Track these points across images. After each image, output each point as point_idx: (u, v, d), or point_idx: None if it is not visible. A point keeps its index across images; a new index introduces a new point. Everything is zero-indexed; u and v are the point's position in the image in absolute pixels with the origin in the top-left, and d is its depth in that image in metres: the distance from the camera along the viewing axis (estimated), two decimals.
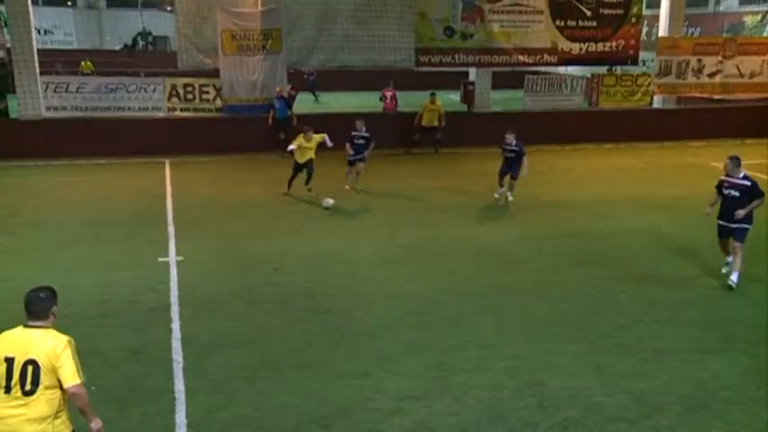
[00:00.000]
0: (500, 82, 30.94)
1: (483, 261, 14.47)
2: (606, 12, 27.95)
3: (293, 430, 8.43)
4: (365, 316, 11.69)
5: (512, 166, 18.31)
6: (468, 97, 30.14)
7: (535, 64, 28.49)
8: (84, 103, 24.03)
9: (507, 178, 18.58)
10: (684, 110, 30.19)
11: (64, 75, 29.54)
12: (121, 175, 21.60)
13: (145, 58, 46.96)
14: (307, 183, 18.91)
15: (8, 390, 5.80)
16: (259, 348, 10.48)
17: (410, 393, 9.25)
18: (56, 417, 5.94)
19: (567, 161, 24.47)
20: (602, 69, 29.38)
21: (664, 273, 13.71)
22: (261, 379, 9.57)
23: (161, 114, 24.59)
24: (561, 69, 31.23)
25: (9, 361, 5.80)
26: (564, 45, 27.75)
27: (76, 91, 24.02)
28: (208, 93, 24.63)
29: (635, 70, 29.90)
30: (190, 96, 24.64)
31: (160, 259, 14.09)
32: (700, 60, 29.05)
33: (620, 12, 28.12)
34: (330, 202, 17.85)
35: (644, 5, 29.10)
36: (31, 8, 23.69)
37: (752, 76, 29.62)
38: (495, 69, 28.49)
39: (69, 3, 58.52)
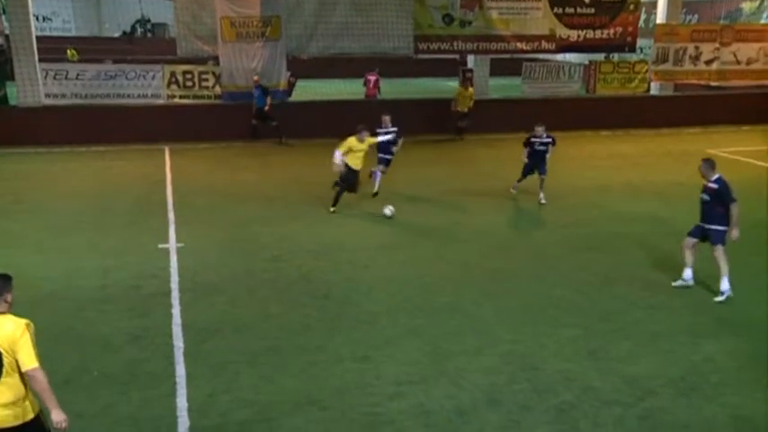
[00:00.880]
0: (498, 69, 30.96)
1: (481, 247, 14.54)
2: None
3: (293, 413, 8.51)
4: (364, 301, 11.77)
5: (540, 161, 17.37)
6: (466, 84, 30.11)
7: (533, 51, 28.42)
8: (84, 91, 24.02)
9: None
10: (681, 97, 30.21)
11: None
12: (121, 162, 21.64)
13: (144, 45, 46.86)
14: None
15: None
16: (259, 333, 10.56)
17: (408, 377, 9.34)
18: (25, 398, 6.07)
19: (564, 148, 24.30)
20: (600, 56, 29.39)
21: (659, 258, 13.78)
22: (261, 363, 9.65)
23: (160, 101, 24.60)
24: (559, 56, 31.27)
25: None
26: (562, 32, 27.71)
27: (76, 78, 24.00)
28: (207, 80, 24.64)
29: (632, 57, 29.89)
30: (189, 84, 24.65)
31: (160, 245, 14.16)
32: (697, 47, 29.08)
33: None
34: (391, 209, 16.45)
35: None
36: None
37: (748, 63, 29.62)
38: (494, 56, 28.51)
39: None
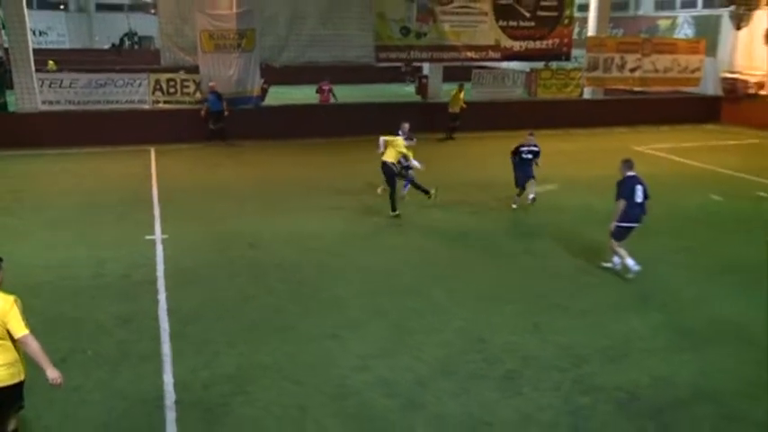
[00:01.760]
0: (451, 76, 31.03)
1: (438, 236, 14.54)
2: (543, 14, 28.22)
3: (269, 386, 8.47)
4: (333, 286, 11.70)
5: (529, 167, 16.29)
6: (422, 89, 30.21)
7: (481, 59, 28.68)
8: (77, 98, 23.61)
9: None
10: (611, 100, 30.52)
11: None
12: (111, 162, 21.31)
13: (131, 56, 46.27)
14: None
15: None
16: (237, 315, 10.46)
17: (372, 353, 9.33)
18: (19, 361, 6.30)
19: (510, 145, 24.51)
20: (540, 64, 29.55)
21: (594, 243, 13.87)
22: (239, 342, 9.58)
23: (146, 107, 24.26)
24: (504, 64, 31.38)
25: None
26: (506, 43, 27.97)
27: (69, 86, 23.60)
28: (188, 87, 24.33)
29: (568, 65, 30.12)
30: (172, 90, 24.36)
31: (147, 237, 13.96)
32: (622, 57, 29.55)
33: (554, 14, 28.40)
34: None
35: (575, 9, 29.36)
36: (26, 11, 23.31)
37: (665, 71, 30.23)
38: (446, 64, 28.59)
39: (62, 6, 57.37)
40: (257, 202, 16.78)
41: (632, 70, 29.80)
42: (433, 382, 8.63)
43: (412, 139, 16.21)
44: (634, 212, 11.95)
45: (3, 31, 25.18)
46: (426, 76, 29.84)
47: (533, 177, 16.44)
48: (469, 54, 27.72)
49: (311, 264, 12.73)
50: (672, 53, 30.33)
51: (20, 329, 6.09)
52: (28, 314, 6.22)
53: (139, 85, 24.13)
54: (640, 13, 36.67)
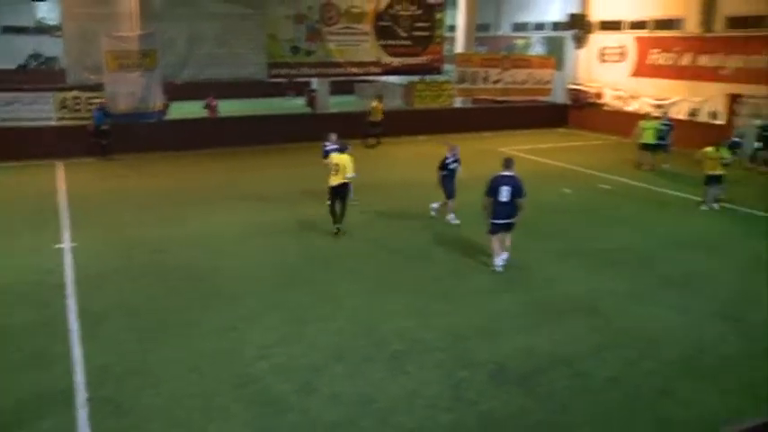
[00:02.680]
0: (338, 89, 30.99)
1: (330, 233, 14.41)
2: (417, 33, 28.59)
3: (175, 377, 8.21)
4: (233, 283, 11.42)
5: (453, 176, 14.86)
6: (311, 102, 30.01)
7: (364, 74, 28.83)
8: None
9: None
10: (478, 108, 31.14)
11: None
12: (20, 176, 20.03)
13: (38, 75, 43.80)
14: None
15: None
16: (144, 314, 10.06)
17: (271, 343, 9.17)
18: None
19: (390, 150, 24.76)
20: (416, 78, 29.88)
21: (467, 236, 14.14)
22: (147, 339, 9.22)
23: (53, 123, 22.98)
24: (384, 78, 31.57)
25: None
26: (386, 59, 28.17)
27: None
28: (93, 104, 23.16)
29: (440, 78, 30.55)
30: (77, 107, 23.20)
31: (57, 246, 13.18)
32: (486, 71, 30.27)
33: (427, 34, 28.83)
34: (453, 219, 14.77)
35: (445, 29, 29.89)
36: None
37: (522, 83, 31.19)
38: (333, 79, 28.54)
39: None
40: (161, 210, 16.11)
41: (495, 82, 30.59)
42: (327, 366, 8.55)
43: (347, 147, 14.43)
44: (501, 210, 11.74)
45: None
46: (315, 90, 29.68)
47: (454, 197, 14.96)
48: (353, 70, 27.80)
49: (212, 264, 12.37)
50: (527, 68, 31.35)
51: None
52: None
53: (46, 102, 22.85)
54: (500, 33, 37.66)
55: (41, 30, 48.02)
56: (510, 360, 8.77)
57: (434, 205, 15.48)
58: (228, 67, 25.23)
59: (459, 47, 30.69)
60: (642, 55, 28.38)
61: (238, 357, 8.74)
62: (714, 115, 25.12)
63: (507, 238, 12.10)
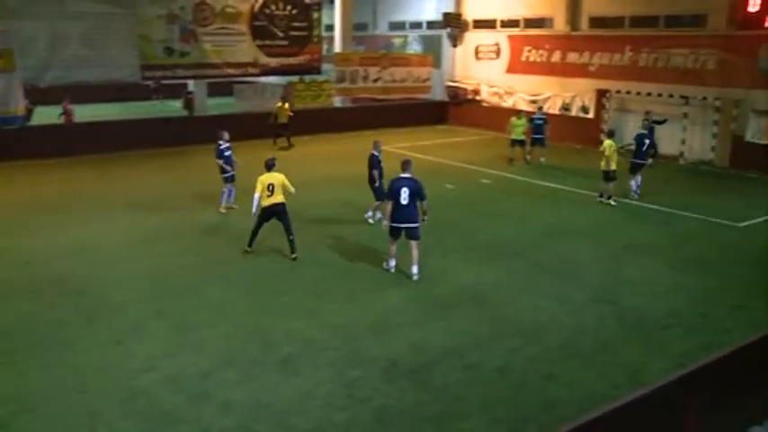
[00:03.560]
0: (217, 90, 30.38)
1: (212, 238, 14.18)
2: (294, 33, 28.56)
3: (55, 398, 7.81)
4: (114, 293, 11.00)
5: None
6: (188, 104, 29.28)
7: (242, 75, 28.44)
8: None
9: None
10: (358, 107, 31.38)
11: None
12: None
13: None
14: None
15: None
16: (15, 334, 9.50)
17: (158, 353, 8.93)
18: None
19: (272, 151, 24.50)
20: (295, 78, 29.78)
21: (353, 233, 14.24)
22: (19, 361, 8.72)
23: None
24: (263, 79, 31.26)
25: None
26: (264, 60, 28.01)
27: None
28: None
29: (319, 78, 30.62)
30: None
31: None
32: (366, 70, 30.70)
33: (305, 34, 28.87)
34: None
35: (323, 29, 29.97)
36: None
37: (401, 81, 31.81)
38: (210, 80, 27.96)
39: None
40: (29, 221, 15.25)
41: (375, 81, 31.01)
42: (217, 373, 8.41)
43: (274, 163, 13.07)
44: (400, 213, 11.45)
45: None
46: (192, 92, 28.96)
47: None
48: (230, 71, 27.43)
49: (90, 275, 11.86)
50: (406, 66, 31.99)
51: None
52: None
53: None
54: (378, 32, 38.12)
55: None
56: (402, 355, 8.93)
57: (369, 213, 15.25)
58: (99, 69, 24.21)
59: (338, 46, 30.93)
60: (516, 53, 29.55)
61: (124, 371, 8.44)
62: (584, 110, 26.54)
63: (414, 248, 11.62)
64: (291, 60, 28.78)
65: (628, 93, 24.78)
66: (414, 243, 11.63)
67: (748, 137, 21.52)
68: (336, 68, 30.07)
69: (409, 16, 36.20)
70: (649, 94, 23.84)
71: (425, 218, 11.73)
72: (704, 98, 22.56)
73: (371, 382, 8.26)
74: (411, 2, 36.16)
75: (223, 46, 26.72)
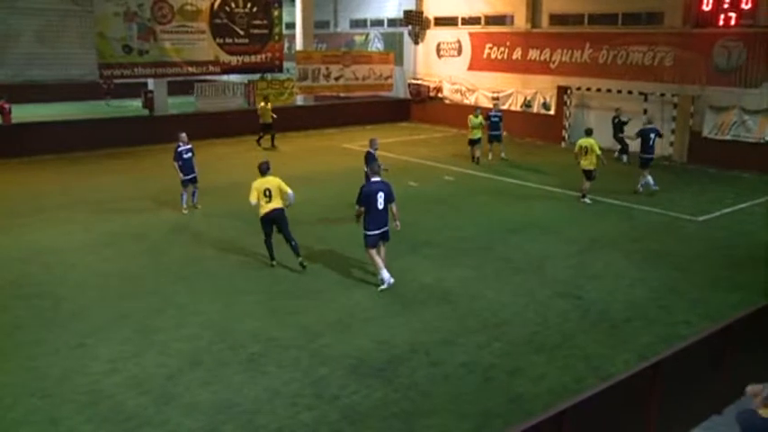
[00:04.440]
0: (176, 89, 30.04)
1: (174, 239, 14.02)
2: (255, 31, 28.36)
3: (13, 405, 7.66)
4: (75, 296, 10.83)
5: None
6: (148, 103, 28.87)
7: (202, 74, 28.13)
8: None
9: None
10: (320, 105, 31.35)
11: None
12: None
13: None
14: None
15: None
16: None
17: (121, 355, 8.82)
18: None
19: (233, 150, 24.38)
20: (257, 76, 29.60)
21: (315, 231, 14.20)
22: None
23: None
24: (224, 77, 31.02)
25: None
26: (224, 58, 27.75)
27: None
28: None
29: (281, 76, 30.51)
30: None
31: None
32: (327, 68, 30.65)
33: (265, 31, 28.66)
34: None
35: (284, 26, 29.83)
36: None
37: (363, 79, 31.84)
38: (170, 79, 27.63)
39: None
40: None
41: (336, 78, 30.97)
42: (183, 374, 8.34)
43: (269, 168, 12.35)
44: (378, 218, 11.03)
45: None
46: (152, 91, 28.57)
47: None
48: (191, 69, 27.12)
49: (49, 278, 11.66)
50: (368, 63, 32.03)
51: None
52: None
53: None
54: (339, 30, 38.07)
55: None
56: (368, 353, 8.95)
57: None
58: (55, 67, 23.77)
59: (299, 44, 30.84)
60: (477, 50, 29.77)
61: (87, 374, 8.32)
62: (546, 106, 26.85)
63: (383, 249, 11.38)
64: (252, 58, 28.59)
65: (588, 89, 25.16)
66: (383, 245, 11.39)
67: (705, 132, 22.00)
68: (298, 66, 29.96)
69: (370, 14, 36.21)
70: (609, 91, 24.24)
71: (398, 222, 11.45)
72: (662, 94, 23.01)
73: (338, 380, 8.26)
74: (372, 0, 36.20)
75: (183, 44, 26.42)
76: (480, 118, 21.95)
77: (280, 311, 10.29)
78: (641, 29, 23.98)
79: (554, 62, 26.61)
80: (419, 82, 32.30)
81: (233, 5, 27.49)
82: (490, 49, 29.15)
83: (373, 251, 11.20)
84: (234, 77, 31.82)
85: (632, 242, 13.95)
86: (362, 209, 11.03)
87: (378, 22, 35.81)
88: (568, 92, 25.89)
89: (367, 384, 8.16)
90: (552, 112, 26.53)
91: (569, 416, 5.44)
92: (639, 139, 17.93)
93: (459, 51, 30.63)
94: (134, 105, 31.29)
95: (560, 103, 26.18)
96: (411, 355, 8.93)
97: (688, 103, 22.45)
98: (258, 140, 25.09)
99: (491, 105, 25.53)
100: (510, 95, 28.01)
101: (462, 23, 30.63)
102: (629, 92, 23.63)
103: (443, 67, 31.52)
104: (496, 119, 22.53)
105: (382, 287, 11.13)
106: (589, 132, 17.18)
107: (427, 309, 10.47)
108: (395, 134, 28.61)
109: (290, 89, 29.82)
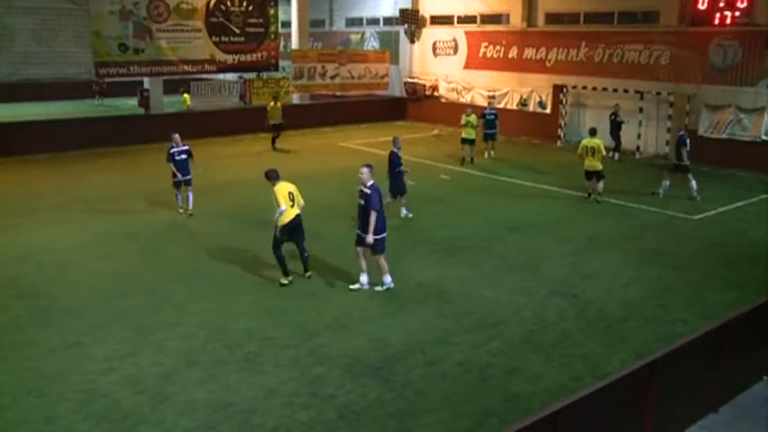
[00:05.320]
0: (172, 88, 29.98)
1: (170, 238, 13.99)
2: (251, 30, 28.31)
3: (9, 404, 7.63)
4: (71, 295, 10.80)
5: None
6: (144, 102, 28.83)
7: (198, 72, 28.09)
8: None
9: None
10: (317, 104, 31.35)
11: None
12: None
13: None
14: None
15: None
16: None
17: (117, 354, 8.80)
18: None
19: (231, 149, 24.34)
20: (252, 75, 29.56)
21: (313, 231, 14.12)
22: None
23: None
24: (220, 76, 30.98)
25: None
26: (220, 56, 27.68)
27: None
28: None
29: (277, 75, 30.49)
30: None
31: None
32: (323, 67, 30.65)
33: (261, 30, 28.62)
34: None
35: (279, 25, 29.79)
36: None
37: (359, 77, 31.86)
38: (165, 78, 27.58)
39: None
40: None
41: (332, 77, 30.96)
42: (179, 373, 8.33)
43: (278, 177, 11.47)
44: (384, 221, 10.95)
45: None
46: (147, 90, 28.54)
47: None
48: (186, 68, 27.06)
49: (46, 277, 11.63)
50: (364, 62, 32.06)
51: None
52: None
53: None
54: (335, 28, 38.03)
55: None
56: (364, 352, 8.95)
57: (404, 211, 15.33)
58: (51, 66, 23.69)
59: (295, 43, 30.86)
60: (473, 48, 29.77)
61: (83, 374, 8.29)
62: (542, 105, 26.87)
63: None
64: (248, 57, 28.54)
65: (584, 88, 25.17)
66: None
67: (701, 131, 22.03)
68: (294, 65, 29.94)
69: (366, 13, 36.18)
70: (605, 90, 24.26)
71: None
72: (658, 93, 23.04)
73: (334, 379, 8.26)
74: None
75: (178, 43, 26.36)
76: (473, 117, 21.55)
77: (275, 311, 10.27)
78: (637, 27, 24.01)
79: (550, 61, 26.64)
80: (415, 81, 32.29)
81: (229, 4, 27.43)
82: (486, 47, 29.16)
83: (361, 251, 11.04)
84: (229, 76, 31.81)
85: (629, 241, 13.97)
86: (375, 213, 10.64)
87: (373, 21, 35.77)
88: (564, 90, 25.91)
89: (363, 383, 8.15)
90: (548, 110, 26.55)
91: (565, 415, 5.44)
92: (677, 146, 17.42)
93: (456, 50, 30.63)
94: (129, 104, 31.29)
95: (556, 102, 26.20)
96: (407, 354, 8.92)
97: (684, 101, 22.47)
98: (273, 144, 24.73)
99: (486, 104, 25.52)
100: (506, 94, 28.02)
101: (458, 22, 30.63)
102: (625, 90, 23.65)
103: (439, 65, 31.52)
104: (492, 117, 22.52)
105: (364, 287, 11.05)
106: (593, 132, 17.13)
107: (423, 308, 10.47)
108: (390, 133, 28.29)
109: (286, 88, 29.80)
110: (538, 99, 26.99)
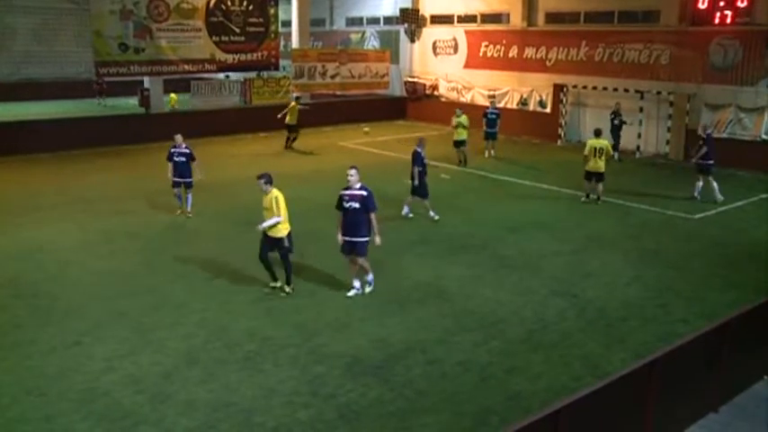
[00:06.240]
0: (173, 87, 29.97)
1: (170, 238, 14.00)
2: (251, 29, 28.35)
3: (9, 404, 7.62)
4: (71, 294, 10.79)
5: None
6: (144, 101, 28.81)
7: (198, 72, 28.07)
8: None
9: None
10: (317, 104, 31.24)
11: None
12: None
13: None
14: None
15: None
16: None
17: (118, 353, 8.80)
18: None
19: (231, 148, 24.34)
20: (253, 74, 29.56)
21: (312, 231, 14.14)
22: None
23: None
24: (220, 75, 30.98)
25: None
26: (220, 56, 27.73)
27: None
28: None
29: (278, 74, 30.47)
30: None
31: None
32: (324, 66, 30.66)
33: (262, 29, 28.65)
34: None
35: (279, 24, 29.80)
36: None
37: (360, 77, 31.88)
38: (166, 77, 27.57)
39: None
40: None
41: (333, 77, 30.97)
42: (179, 372, 8.32)
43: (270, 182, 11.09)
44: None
45: None
46: (148, 89, 28.52)
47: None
48: (187, 67, 27.08)
49: (46, 276, 11.62)
50: (364, 61, 32.09)
51: None
52: None
53: None
54: (335, 28, 38.03)
55: None
56: (364, 351, 8.94)
57: (408, 209, 15.48)
58: (51, 65, 23.71)
59: (295, 42, 30.86)
60: (473, 48, 29.77)
61: (84, 372, 8.29)
62: (542, 104, 26.86)
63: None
64: (248, 56, 28.56)
65: (584, 87, 25.16)
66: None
67: (701, 130, 21.97)
68: (294, 64, 29.94)
69: (366, 12, 36.18)
70: (605, 89, 24.26)
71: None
72: (658, 92, 23.03)
73: (335, 378, 8.25)
74: None
75: (179, 42, 26.38)
76: (464, 117, 21.13)
77: (275, 310, 10.26)
78: (637, 27, 24.00)
79: (550, 60, 26.63)
80: (415, 80, 32.29)
81: (229, 3, 27.46)
82: (486, 47, 29.15)
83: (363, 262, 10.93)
84: (230, 75, 31.79)
85: (629, 240, 13.96)
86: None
87: (374, 20, 35.77)
88: (564, 90, 25.90)
89: (363, 383, 8.14)
90: (548, 110, 26.54)
91: (565, 414, 5.43)
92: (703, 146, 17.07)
93: (456, 49, 30.62)
94: (129, 104, 31.26)
95: (556, 102, 26.19)
96: (407, 353, 8.91)
97: (684, 101, 22.46)
98: (287, 145, 24.52)
99: (487, 103, 25.51)
100: (506, 93, 28.02)
101: (458, 21, 30.62)
102: (626, 90, 23.65)
103: (439, 65, 31.51)
104: (494, 116, 22.51)
105: (359, 292, 10.92)
106: (598, 133, 17.02)
107: (423, 307, 10.46)
108: (390, 132, 28.58)
109: (286, 87, 29.78)
110: (538, 98, 26.98)
